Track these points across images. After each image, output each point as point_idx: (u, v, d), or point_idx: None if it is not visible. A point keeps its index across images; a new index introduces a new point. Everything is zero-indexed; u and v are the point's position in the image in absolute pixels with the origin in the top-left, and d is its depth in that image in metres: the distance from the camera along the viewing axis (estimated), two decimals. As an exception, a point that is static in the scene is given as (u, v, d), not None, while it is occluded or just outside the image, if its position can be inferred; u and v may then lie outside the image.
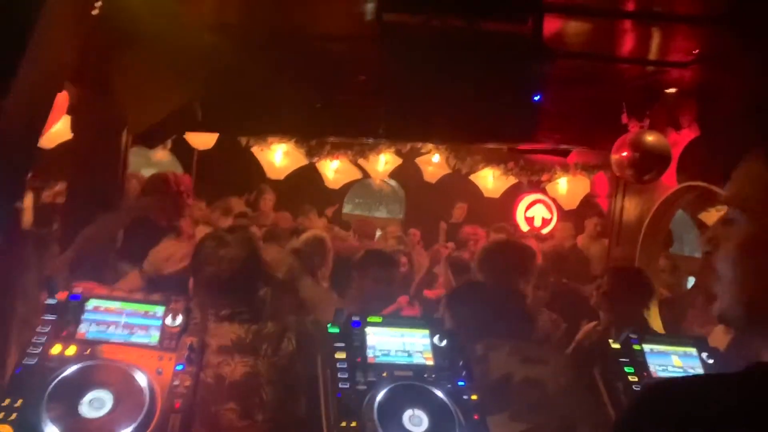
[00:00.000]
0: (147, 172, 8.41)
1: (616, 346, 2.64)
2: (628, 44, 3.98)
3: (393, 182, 11.10)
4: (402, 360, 2.37)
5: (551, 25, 3.50)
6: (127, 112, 3.50)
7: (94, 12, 2.29)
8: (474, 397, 2.29)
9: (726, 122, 4.54)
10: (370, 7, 3.23)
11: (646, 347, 2.65)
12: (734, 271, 0.87)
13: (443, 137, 5.66)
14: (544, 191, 8.39)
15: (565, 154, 6.88)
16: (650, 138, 5.06)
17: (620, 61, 4.21)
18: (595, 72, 4.79)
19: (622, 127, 5.22)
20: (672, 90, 4.90)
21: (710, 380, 0.80)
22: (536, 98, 3.08)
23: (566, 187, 7.81)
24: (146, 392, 1.99)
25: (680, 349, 2.68)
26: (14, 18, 1.37)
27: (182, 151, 7.88)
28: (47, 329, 2.11)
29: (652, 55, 4.07)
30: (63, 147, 5.73)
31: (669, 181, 5.34)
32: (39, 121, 1.94)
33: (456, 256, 6.12)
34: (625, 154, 5.12)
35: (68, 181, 4.79)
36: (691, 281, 6.98)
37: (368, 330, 2.41)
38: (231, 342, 2.29)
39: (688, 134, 5.22)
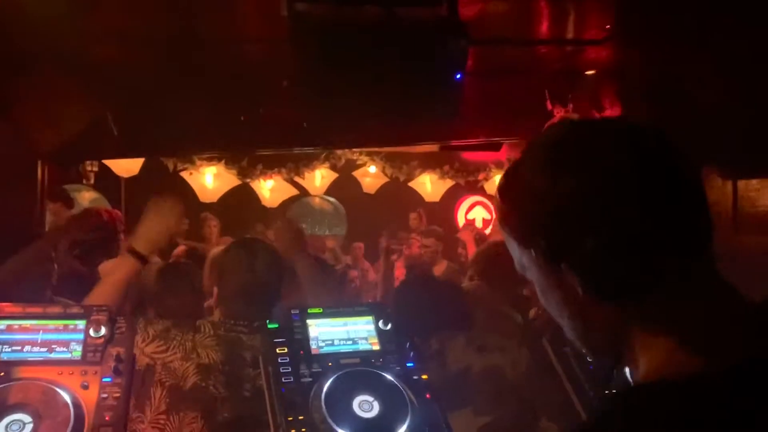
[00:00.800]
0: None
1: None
2: (543, 25, 4.04)
3: (332, 199, 11.02)
4: (347, 348, 2.27)
5: (468, 9, 3.51)
6: (34, 135, 3.30)
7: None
8: (424, 376, 2.21)
9: (645, 97, 4.67)
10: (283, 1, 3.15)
11: None
12: None
13: (372, 139, 5.62)
14: (482, 191, 8.47)
15: (497, 148, 6.94)
16: (575, 121, 5.17)
17: (537, 43, 4.28)
18: (516, 60, 4.85)
19: (548, 114, 5.31)
20: (591, 72, 5.01)
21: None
22: (458, 77, 3.07)
23: (503, 183, 7.90)
24: (71, 407, 1.83)
25: None
26: None
27: (108, 184, 7.58)
28: (-45, 356, 1.93)
29: (568, 33, 4.14)
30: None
31: (598, 163, 5.45)
32: None
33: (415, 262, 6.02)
34: (553, 139, 5.22)
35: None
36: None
37: (309, 321, 2.30)
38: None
39: (611, 115, 5.34)
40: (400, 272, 5.90)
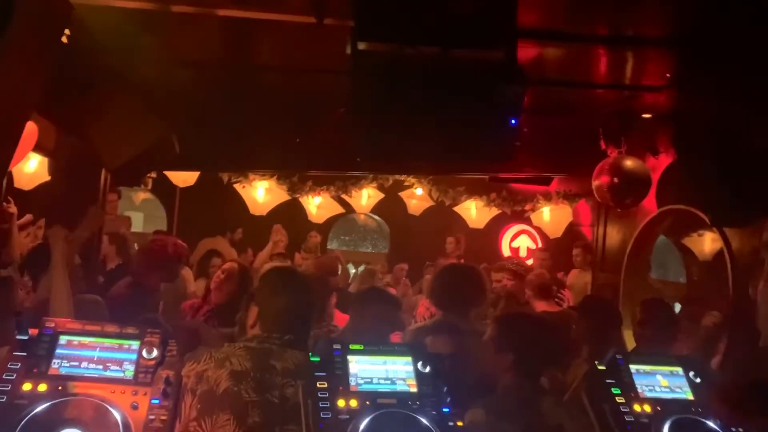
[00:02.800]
0: (131, 214, 8.39)
1: (602, 367, 2.60)
2: (602, 70, 4.04)
3: (377, 217, 11.10)
4: (385, 387, 2.32)
5: (526, 52, 3.55)
6: (101, 151, 3.47)
7: (64, 39, 2.28)
8: (459, 423, 2.24)
9: (701, 145, 4.60)
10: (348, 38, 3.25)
11: (633, 368, 2.61)
12: None
13: (423, 168, 5.68)
14: (528, 221, 8.41)
15: (547, 182, 6.92)
16: (629, 163, 5.12)
17: (595, 86, 4.27)
18: (572, 100, 4.86)
19: (602, 154, 5.29)
20: (648, 115, 4.97)
21: None
22: (513, 122, 3.10)
23: (549, 216, 7.83)
24: (120, 427, 1.92)
25: (667, 369, 2.65)
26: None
27: (164, 190, 7.83)
28: (18, 366, 2.05)
29: (626, 80, 4.13)
30: (41, 189, 5.68)
31: (650, 206, 5.38)
32: (5, 150, 1.91)
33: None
34: (605, 179, 5.17)
35: (46, 223, 4.74)
36: (677, 307, 6.97)
37: (350, 358, 2.36)
38: (295, 366, 2.29)
39: (665, 159, 5.28)
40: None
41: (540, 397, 2.52)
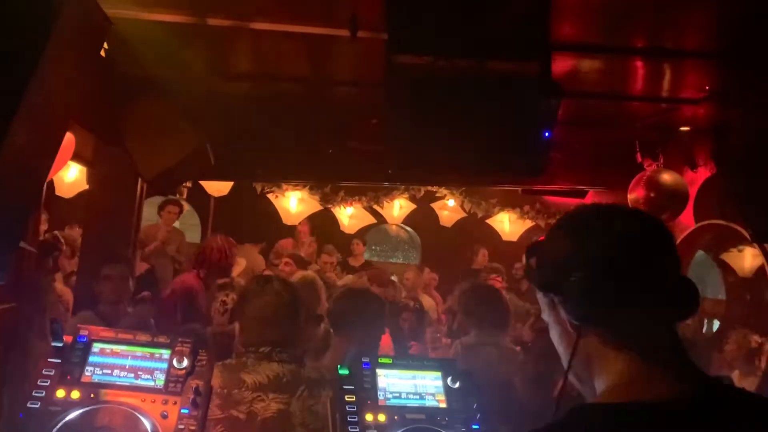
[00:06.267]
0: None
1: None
2: (639, 82, 3.97)
3: (409, 228, 11.08)
4: (414, 402, 2.29)
5: (561, 64, 3.51)
6: (137, 160, 3.53)
7: (102, 53, 2.33)
8: (489, 440, 2.20)
9: (742, 159, 4.49)
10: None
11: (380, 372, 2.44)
12: None
13: (456, 180, 5.64)
14: (562, 234, 8.29)
15: (582, 195, 6.81)
16: (666, 177, 5.02)
17: (632, 99, 4.20)
18: (608, 112, 4.78)
19: (638, 167, 5.19)
20: (686, 128, 4.87)
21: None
22: (547, 135, 3.06)
23: (584, 229, 7.71)
24: (150, 436, 1.94)
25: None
26: (18, 53, 1.39)
27: (199, 199, 7.93)
28: (52, 372, 2.08)
29: (664, 92, 4.05)
30: (80, 197, 5.82)
31: (687, 221, 5.26)
32: (45, 159, 1.95)
33: None
34: (641, 193, 5.08)
35: (83, 230, 4.84)
36: (716, 324, 6.80)
37: (379, 371, 2.34)
38: (267, 379, 2.27)
39: (704, 172, 5.16)
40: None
41: None
